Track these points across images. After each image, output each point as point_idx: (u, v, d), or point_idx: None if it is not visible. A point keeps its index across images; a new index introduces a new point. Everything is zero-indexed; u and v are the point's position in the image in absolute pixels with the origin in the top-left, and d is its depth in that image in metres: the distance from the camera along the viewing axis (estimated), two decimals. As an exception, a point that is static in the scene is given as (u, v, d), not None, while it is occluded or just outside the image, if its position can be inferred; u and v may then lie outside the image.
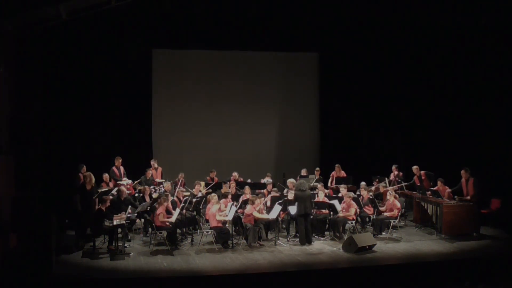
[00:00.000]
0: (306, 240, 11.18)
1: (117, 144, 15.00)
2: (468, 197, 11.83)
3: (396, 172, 14.30)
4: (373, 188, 13.62)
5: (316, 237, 11.65)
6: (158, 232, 10.96)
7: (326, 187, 13.70)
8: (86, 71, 14.97)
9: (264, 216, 11.37)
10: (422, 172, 13.40)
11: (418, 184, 13.50)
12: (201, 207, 12.24)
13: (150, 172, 13.80)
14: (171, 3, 15.10)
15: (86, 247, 10.81)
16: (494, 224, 12.63)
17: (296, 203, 11.30)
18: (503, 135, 13.54)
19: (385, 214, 11.93)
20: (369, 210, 12.20)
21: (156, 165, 14.18)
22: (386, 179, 13.89)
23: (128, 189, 12.89)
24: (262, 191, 13.20)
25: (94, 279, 9.17)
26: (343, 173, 14.75)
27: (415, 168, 13.59)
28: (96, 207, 11.18)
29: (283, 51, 16.91)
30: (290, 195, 11.89)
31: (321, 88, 17.35)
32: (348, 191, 12.54)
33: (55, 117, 14.49)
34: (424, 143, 15.72)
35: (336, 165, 14.88)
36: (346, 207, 11.78)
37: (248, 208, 11.28)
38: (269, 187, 13.07)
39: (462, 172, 12.03)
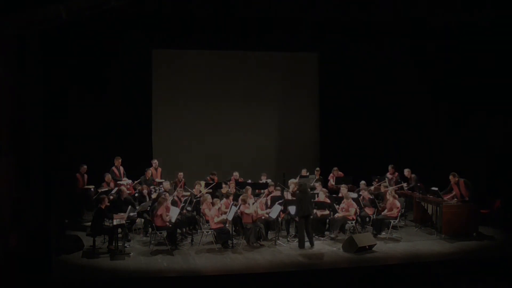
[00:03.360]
0: (309, 243, 11.07)
1: (117, 144, 14.99)
2: (466, 198, 11.87)
3: (392, 172, 14.28)
4: (372, 188, 13.62)
5: (316, 237, 11.64)
6: (158, 232, 10.96)
7: (326, 188, 13.68)
8: (86, 71, 14.96)
9: (250, 210, 11.28)
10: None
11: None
12: (200, 207, 12.24)
13: (150, 172, 13.80)
14: (171, 3, 15.08)
15: (86, 247, 10.81)
16: (494, 224, 12.64)
17: (296, 205, 11.18)
18: (503, 135, 13.54)
19: (384, 213, 11.92)
20: (369, 210, 12.19)
21: (157, 165, 14.19)
22: (386, 179, 13.89)
23: (128, 189, 12.90)
24: (262, 191, 13.17)
25: (94, 279, 9.18)
26: (341, 174, 14.74)
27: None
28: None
29: (283, 51, 16.90)
30: (289, 196, 11.87)
31: (321, 88, 17.35)
32: (348, 191, 12.54)
33: (55, 117, 14.46)
34: (423, 143, 15.72)
35: (334, 168, 14.87)
36: (346, 207, 11.78)
37: (241, 208, 11.27)
38: (271, 188, 12.88)
39: (451, 177, 12.12)
